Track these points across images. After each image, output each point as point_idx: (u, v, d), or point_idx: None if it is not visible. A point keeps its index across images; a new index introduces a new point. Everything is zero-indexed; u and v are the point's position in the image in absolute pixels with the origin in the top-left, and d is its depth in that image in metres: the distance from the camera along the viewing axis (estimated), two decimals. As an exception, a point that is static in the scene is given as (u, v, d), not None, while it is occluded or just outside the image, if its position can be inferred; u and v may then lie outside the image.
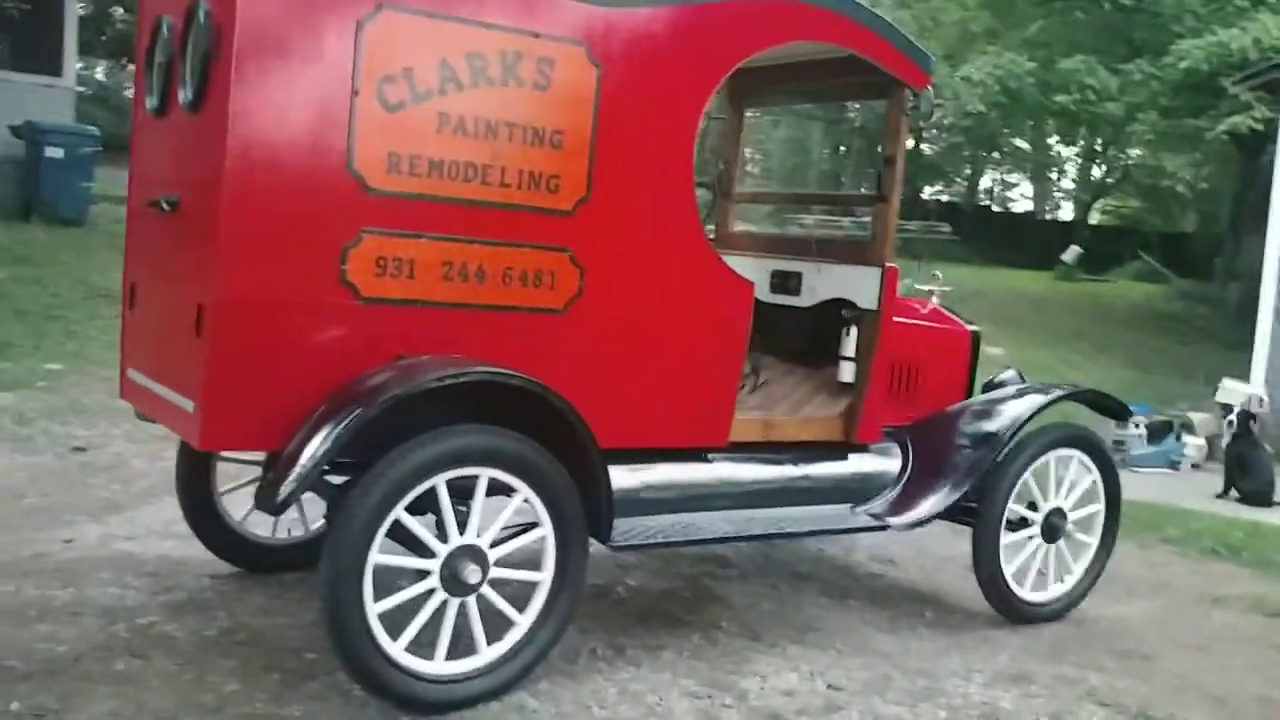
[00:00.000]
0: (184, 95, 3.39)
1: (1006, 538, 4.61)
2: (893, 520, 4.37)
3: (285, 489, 3.10)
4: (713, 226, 5.17)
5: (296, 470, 3.12)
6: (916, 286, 5.37)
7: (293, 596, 4.24)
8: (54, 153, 13.59)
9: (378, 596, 3.25)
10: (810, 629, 4.44)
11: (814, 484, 4.36)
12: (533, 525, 3.53)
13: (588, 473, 3.54)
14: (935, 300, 5.27)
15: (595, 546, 3.73)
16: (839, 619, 4.61)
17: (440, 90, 3.37)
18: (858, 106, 19.63)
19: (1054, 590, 4.80)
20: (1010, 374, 5.15)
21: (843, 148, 28.86)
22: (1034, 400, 4.69)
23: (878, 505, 4.44)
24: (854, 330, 4.49)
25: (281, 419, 3.24)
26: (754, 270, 4.92)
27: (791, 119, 25.71)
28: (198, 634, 3.84)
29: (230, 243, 3.15)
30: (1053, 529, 4.72)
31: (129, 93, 22.53)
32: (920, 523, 4.40)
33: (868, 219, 4.69)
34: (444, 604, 3.38)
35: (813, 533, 4.45)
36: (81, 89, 18.08)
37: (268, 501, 3.15)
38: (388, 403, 3.16)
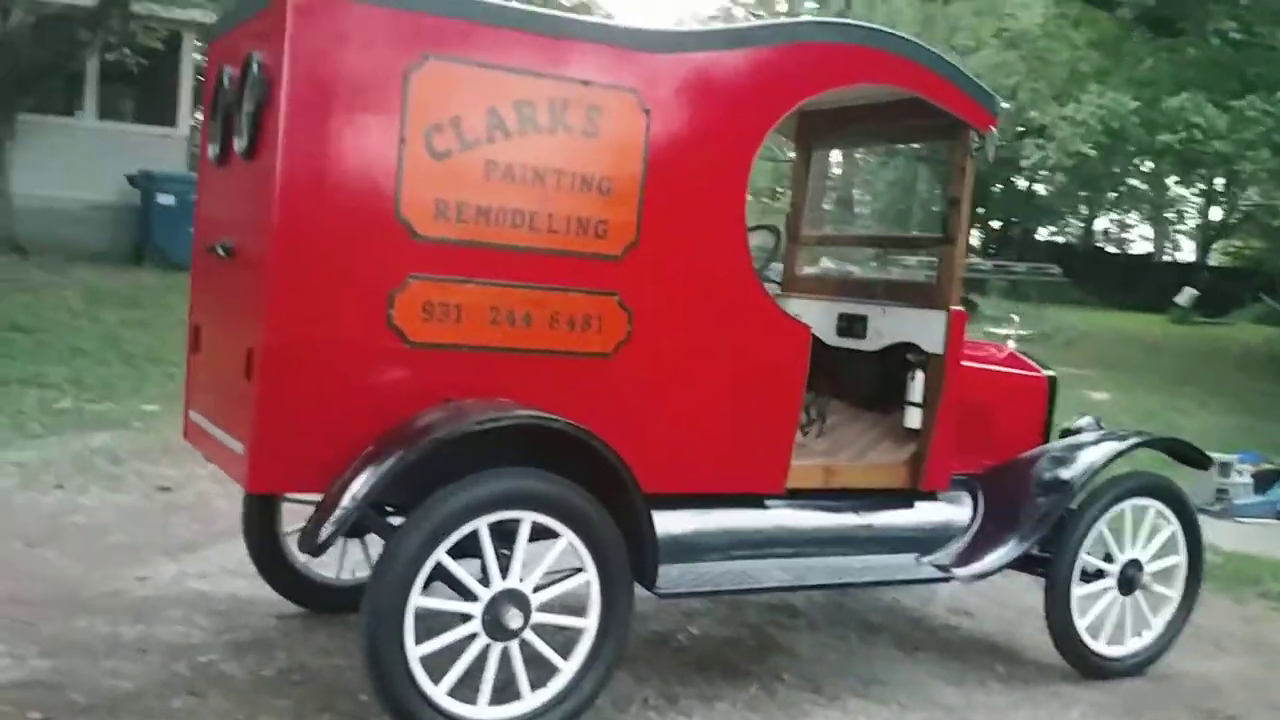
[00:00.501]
0: (239, 144, 3.50)
1: (1080, 589, 4.44)
2: (958, 571, 4.25)
3: (325, 530, 3.14)
4: (781, 269, 5.14)
5: (336, 512, 3.16)
6: (988, 330, 5.25)
7: (354, 637, 4.26)
8: (165, 200, 14.24)
9: (425, 639, 3.27)
10: (875, 681, 4.33)
11: (877, 533, 4.27)
12: (578, 570, 3.51)
13: (631, 517, 3.51)
14: (1012, 344, 5.14)
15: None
16: (906, 672, 4.48)
17: (488, 138, 3.42)
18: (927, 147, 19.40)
19: (1132, 644, 4.60)
20: (1088, 420, 4.98)
21: (916, 189, 28.63)
22: (1108, 448, 4.53)
23: (944, 555, 4.32)
24: (920, 375, 4.40)
25: (329, 462, 3.28)
26: (822, 314, 4.88)
27: (865, 160, 25.65)
28: (255, 673, 3.90)
29: (279, 288, 3.23)
30: (1129, 581, 4.54)
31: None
32: (986, 574, 4.27)
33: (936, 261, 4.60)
34: (486, 648, 3.38)
35: (873, 583, 4.35)
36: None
37: (308, 542, 3.19)
38: (427, 446, 3.19)
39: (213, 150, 3.86)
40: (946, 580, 4.28)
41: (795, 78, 3.89)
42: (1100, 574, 4.53)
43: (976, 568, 4.27)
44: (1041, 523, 4.33)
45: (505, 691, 3.42)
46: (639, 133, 3.63)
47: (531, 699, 3.44)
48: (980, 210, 38.44)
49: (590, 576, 3.49)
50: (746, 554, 3.96)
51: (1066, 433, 4.97)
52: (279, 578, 4.44)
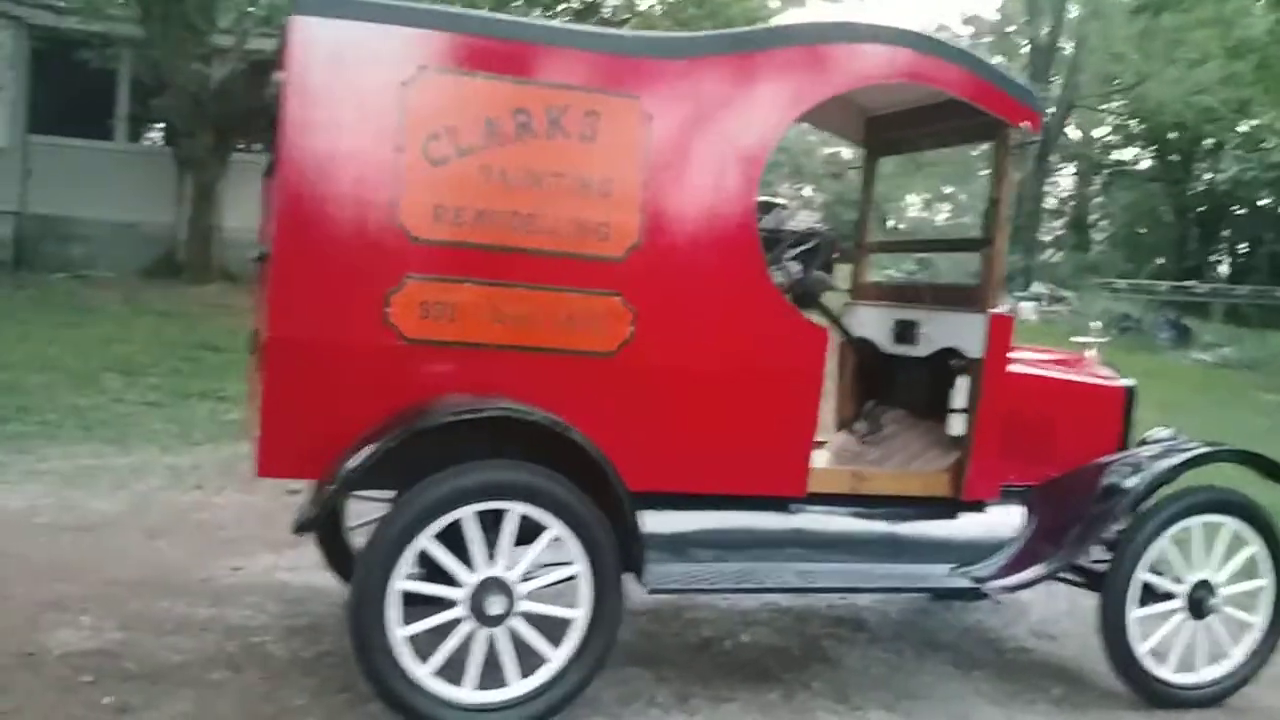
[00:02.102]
0: (269, 158, 3.78)
1: (1140, 610, 4.19)
2: (991, 584, 4.09)
3: (307, 514, 3.37)
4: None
5: (319, 497, 3.37)
6: (1074, 340, 5.03)
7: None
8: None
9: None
10: (910, 696, 4.21)
11: (909, 541, 4.17)
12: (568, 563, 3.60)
13: (614, 511, 3.57)
14: (1093, 353, 4.90)
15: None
16: (951, 689, 4.34)
17: (484, 145, 3.58)
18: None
19: (1205, 673, 4.30)
20: (1164, 431, 4.69)
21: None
22: (1173, 459, 4.26)
23: (983, 567, 4.17)
24: (963, 381, 4.28)
25: (330, 450, 3.49)
26: (881, 320, 4.82)
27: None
28: (296, 654, 4.16)
29: (282, 285, 3.48)
30: (1199, 604, 4.24)
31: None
32: (1018, 588, 4.09)
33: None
34: (473, 633, 3.51)
35: (890, 590, 4.23)
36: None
37: (296, 524, 3.42)
38: (403, 435, 3.36)
39: (264, 167, 4.19)
40: (975, 593, 4.12)
41: (807, 79, 3.89)
42: (1168, 595, 4.26)
43: (1010, 581, 4.10)
44: (1086, 537, 4.12)
45: (493, 677, 3.54)
46: (640, 137, 3.71)
47: (517, 686, 3.54)
48: (1225, 233, 36.19)
49: (579, 569, 3.57)
50: (757, 555, 3.95)
51: (1141, 445, 4.70)
52: (344, 569, 4.70)
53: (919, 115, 4.63)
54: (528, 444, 3.56)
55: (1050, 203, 36.01)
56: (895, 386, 4.81)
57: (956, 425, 4.29)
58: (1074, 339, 5.02)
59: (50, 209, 14.57)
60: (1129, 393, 4.72)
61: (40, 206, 14.64)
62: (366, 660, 3.39)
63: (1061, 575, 4.27)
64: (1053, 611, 5.38)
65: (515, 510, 3.50)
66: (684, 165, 3.78)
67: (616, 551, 3.60)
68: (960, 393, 4.27)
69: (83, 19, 13.86)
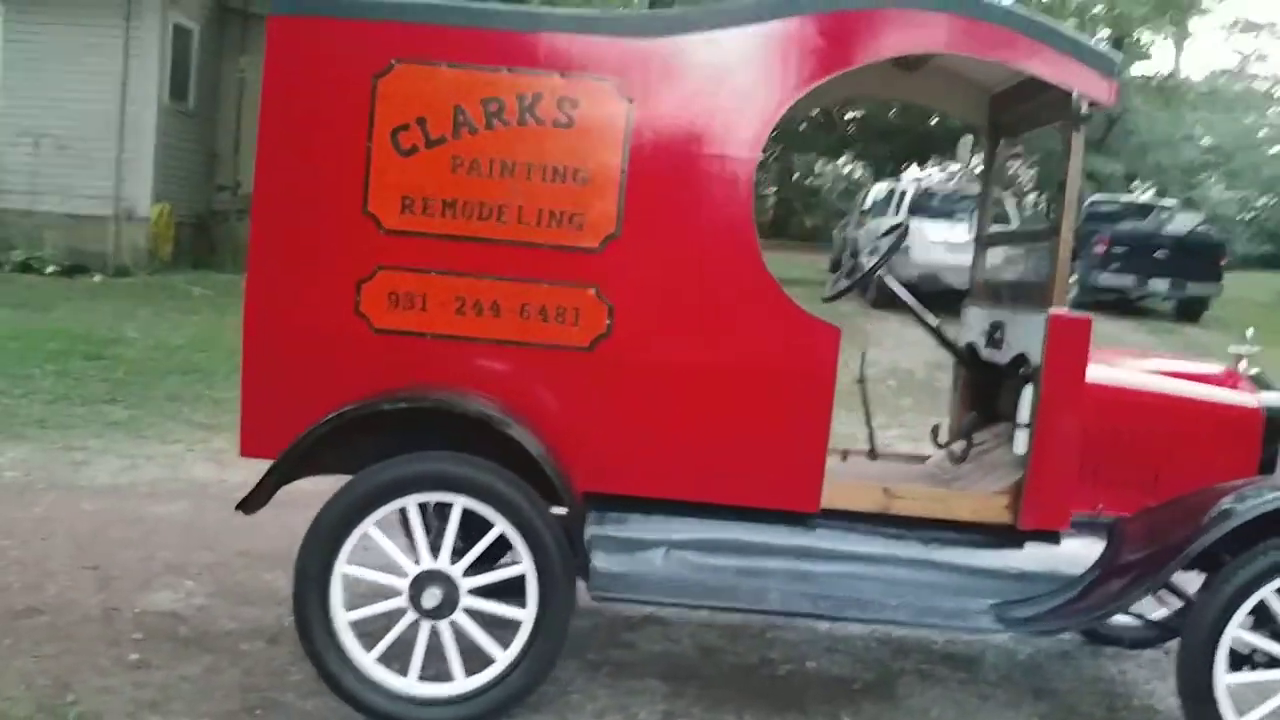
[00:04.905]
0: None
1: (1233, 677, 3.45)
2: (1025, 626, 3.52)
3: (253, 495, 3.50)
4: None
5: (265, 479, 3.49)
6: (1231, 350, 4.21)
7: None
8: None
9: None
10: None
11: (948, 570, 3.67)
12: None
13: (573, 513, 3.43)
14: (1243, 366, 4.10)
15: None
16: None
17: (454, 135, 3.55)
18: None
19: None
20: (1314, 460, 3.82)
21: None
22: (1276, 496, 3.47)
23: (1026, 607, 3.59)
24: (1028, 391, 3.72)
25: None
26: (980, 323, 4.33)
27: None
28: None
29: (258, 273, 3.63)
30: (1319, 677, 3.43)
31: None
32: (1052, 632, 3.49)
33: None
34: (416, 625, 3.49)
35: (898, 622, 3.70)
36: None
37: (239, 504, 3.57)
38: (336, 421, 3.40)
39: None
40: (997, 633, 3.56)
41: (808, 56, 3.53)
42: (1275, 662, 3.48)
43: (1046, 625, 3.51)
44: (1148, 579, 3.44)
45: (440, 671, 3.51)
46: (619, 123, 3.54)
47: (462, 683, 3.49)
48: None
49: (526, 568, 3.46)
50: (746, 570, 3.63)
51: (1278, 476, 3.86)
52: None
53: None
54: (482, 438, 3.49)
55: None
56: (998, 398, 4.26)
57: (1020, 443, 3.73)
58: (1231, 349, 4.21)
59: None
60: (1268, 414, 3.89)
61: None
62: (307, 642, 3.46)
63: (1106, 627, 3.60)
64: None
65: (459, 504, 3.44)
66: (669, 151, 3.56)
67: (566, 552, 3.45)
68: (1025, 405, 3.72)
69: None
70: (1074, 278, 18.99)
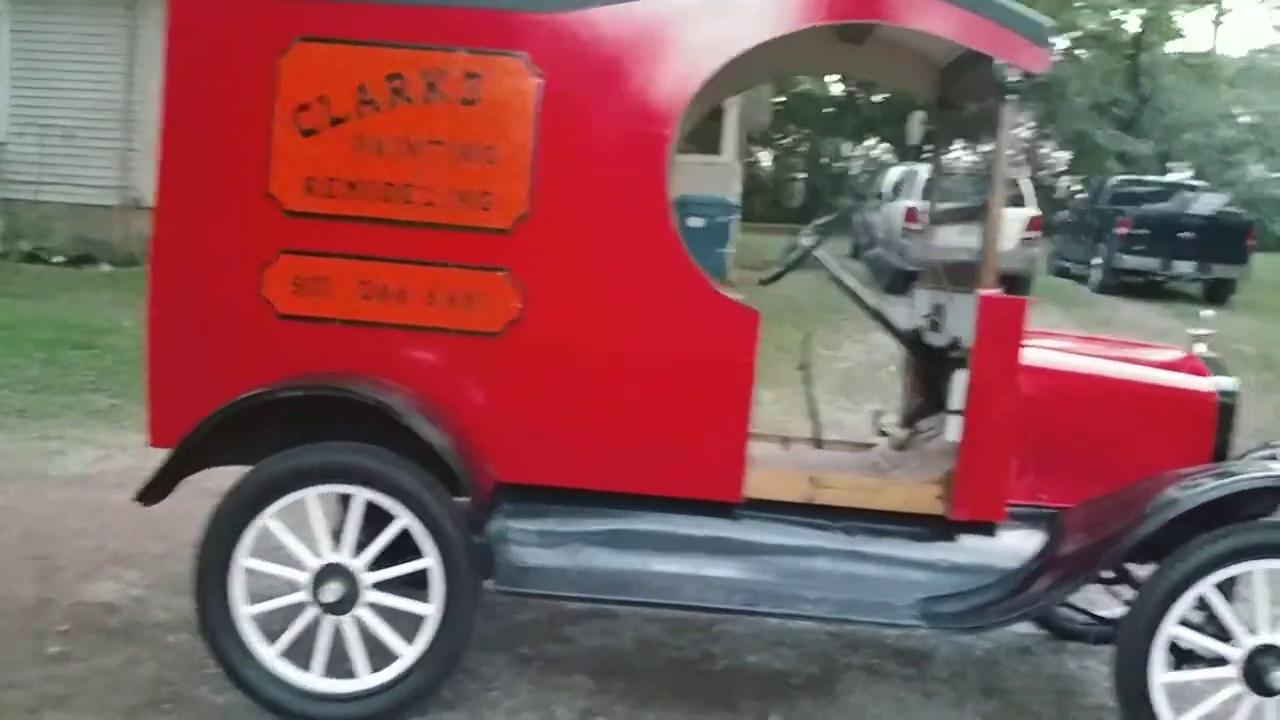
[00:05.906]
0: None
1: (1170, 675, 3.28)
2: (950, 623, 3.36)
3: (150, 487, 3.42)
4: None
5: (163, 471, 3.40)
6: (1190, 333, 4.02)
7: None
8: (695, 222, 15.42)
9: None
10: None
11: (870, 563, 3.52)
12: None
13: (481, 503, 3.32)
14: (1199, 349, 3.91)
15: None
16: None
17: (357, 114, 3.44)
18: None
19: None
20: (1266, 450, 3.62)
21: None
22: (1223, 483, 3.28)
23: (956, 602, 3.43)
24: (960, 376, 3.56)
25: (208, 424, 3.52)
26: (924, 306, 4.17)
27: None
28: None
29: (161, 256, 3.53)
30: (1261, 674, 3.24)
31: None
32: (978, 629, 3.34)
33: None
34: (318, 619, 3.39)
35: (813, 618, 3.55)
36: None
37: (136, 493, 3.48)
38: (232, 409, 3.31)
39: None
40: (914, 629, 3.41)
41: (722, 27, 3.38)
42: (1219, 661, 3.31)
43: (974, 620, 3.35)
44: (1081, 573, 3.28)
45: (344, 667, 3.41)
46: (528, 99, 3.41)
47: (365, 679, 3.39)
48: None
49: (431, 562, 3.34)
50: (659, 561, 3.50)
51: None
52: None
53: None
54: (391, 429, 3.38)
55: None
56: (942, 383, 4.10)
57: (952, 430, 3.58)
58: (1190, 331, 4.02)
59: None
60: (1222, 400, 3.70)
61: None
62: (207, 635, 3.37)
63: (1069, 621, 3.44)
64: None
65: (360, 496, 3.34)
66: (581, 129, 3.42)
67: (471, 546, 3.33)
68: (957, 391, 3.56)
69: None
70: (1099, 260, 18.65)
